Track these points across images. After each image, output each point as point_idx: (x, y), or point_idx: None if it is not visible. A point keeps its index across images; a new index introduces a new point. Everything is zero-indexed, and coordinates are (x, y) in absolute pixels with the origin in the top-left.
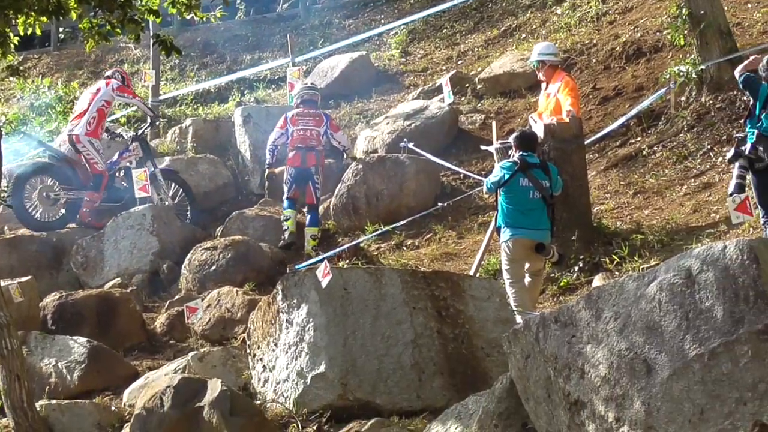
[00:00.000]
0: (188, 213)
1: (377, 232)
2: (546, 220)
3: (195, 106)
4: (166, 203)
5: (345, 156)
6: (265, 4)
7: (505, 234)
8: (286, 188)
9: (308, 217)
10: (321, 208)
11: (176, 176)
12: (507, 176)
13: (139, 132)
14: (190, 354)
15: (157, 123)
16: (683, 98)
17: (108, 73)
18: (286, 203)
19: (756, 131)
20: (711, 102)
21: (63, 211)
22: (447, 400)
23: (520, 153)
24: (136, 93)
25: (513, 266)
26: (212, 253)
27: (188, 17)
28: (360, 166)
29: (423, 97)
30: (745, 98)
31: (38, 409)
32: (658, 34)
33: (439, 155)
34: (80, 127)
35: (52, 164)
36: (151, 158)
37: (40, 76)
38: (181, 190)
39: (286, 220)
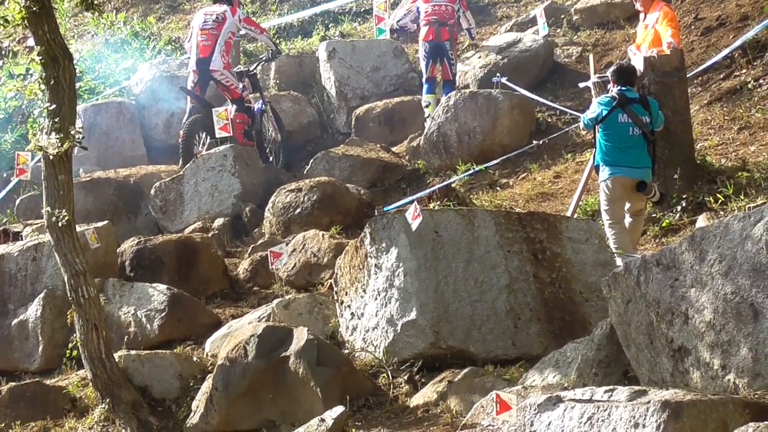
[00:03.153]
0: (280, 152)
1: (469, 172)
2: (647, 158)
3: (277, 41)
4: (278, 138)
5: (473, 36)
6: None
7: (604, 173)
8: (422, 67)
9: (445, 90)
10: (410, 147)
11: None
12: (605, 112)
13: (251, 68)
14: (275, 301)
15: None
16: None
17: None
18: (425, 87)
19: None
20: None
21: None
22: (544, 347)
23: (619, 87)
24: (262, 27)
25: (612, 206)
26: (297, 195)
27: None
28: (451, 103)
29: (516, 29)
30: None
31: (117, 360)
32: None
33: (534, 90)
34: (216, 62)
35: (202, 117)
36: (261, 93)
37: (115, 11)
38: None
39: (427, 106)
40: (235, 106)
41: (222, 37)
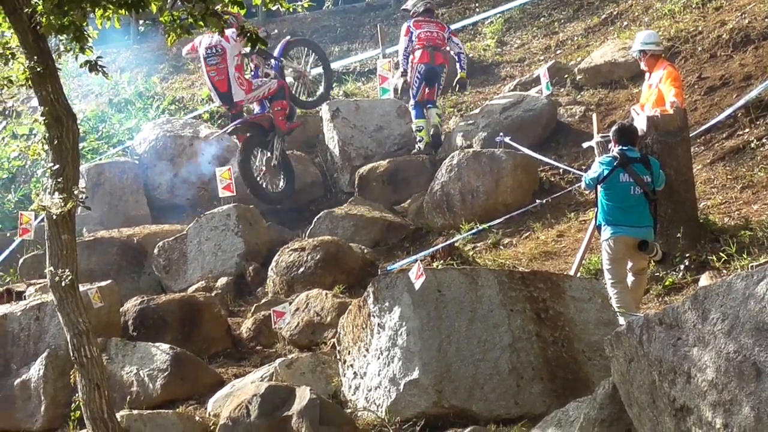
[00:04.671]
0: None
1: (473, 231)
2: (648, 217)
3: None
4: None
5: (462, 65)
6: None
7: (606, 232)
8: (414, 89)
9: (428, 104)
10: (413, 206)
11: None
12: (606, 171)
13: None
14: (278, 360)
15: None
16: None
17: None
18: (415, 111)
19: None
20: None
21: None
22: (547, 406)
23: (620, 147)
24: None
25: (615, 265)
26: (300, 255)
27: (274, 8)
28: (455, 162)
29: (520, 88)
30: None
31: (119, 419)
32: (766, 20)
33: (537, 149)
34: (237, 94)
35: (252, 136)
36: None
37: (119, 71)
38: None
39: (419, 130)
40: (270, 101)
41: (230, 67)
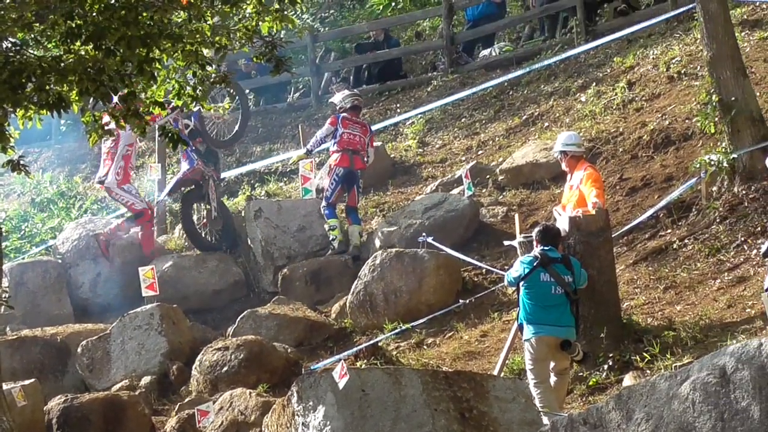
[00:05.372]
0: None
1: (396, 331)
2: (569, 316)
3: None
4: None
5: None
6: (275, 94)
7: (528, 332)
8: (329, 191)
9: (351, 217)
10: (336, 306)
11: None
12: (527, 271)
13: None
14: None
15: None
16: (715, 188)
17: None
18: (327, 211)
19: None
20: (744, 192)
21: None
22: None
23: (541, 247)
24: None
25: (537, 365)
26: (224, 354)
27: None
28: (377, 262)
29: (442, 189)
30: None
31: None
32: (687, 121)
33: (460, 250)
34: (109, 181)
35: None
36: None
37: (41, 170)
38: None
39: (333, 229)
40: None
41: (119, 154)
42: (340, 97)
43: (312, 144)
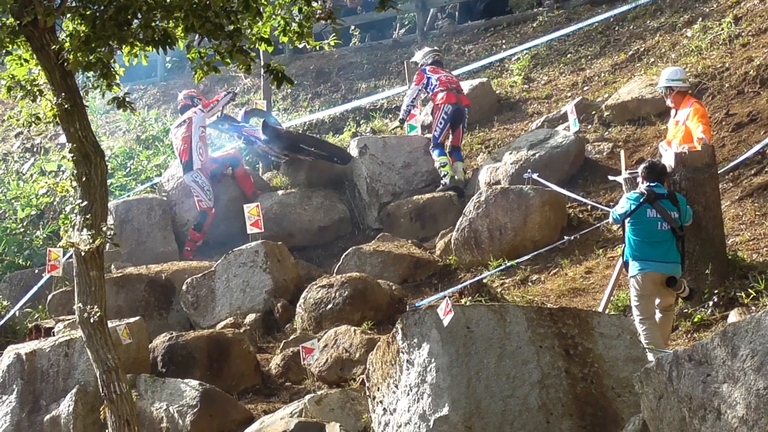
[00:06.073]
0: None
1: (501, 268)
2: (676, 253)
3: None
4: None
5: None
6: (380, 30)
7: (634, 268)
8: (437, 131)
9: (454, 156)
10: (441, 243)
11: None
12: (633, 207)
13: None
14: (307, 397)
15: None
16: None
17: (182, 98)
18: (437, 151)
19: None
20: None
21: None
22: None
23: (647, 184)
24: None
25: (643, 302)
26: (328, 291)
27: (300, 46)
28: (482, 199)
29: (547, 125)
30: None
31: None
32: None
33: (565, 186)
34: (196, 163)
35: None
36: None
37: (147, 107)
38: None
39: (443, 166)
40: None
41: (194, 136)
42: (421, 54)
43: (403, 113)
